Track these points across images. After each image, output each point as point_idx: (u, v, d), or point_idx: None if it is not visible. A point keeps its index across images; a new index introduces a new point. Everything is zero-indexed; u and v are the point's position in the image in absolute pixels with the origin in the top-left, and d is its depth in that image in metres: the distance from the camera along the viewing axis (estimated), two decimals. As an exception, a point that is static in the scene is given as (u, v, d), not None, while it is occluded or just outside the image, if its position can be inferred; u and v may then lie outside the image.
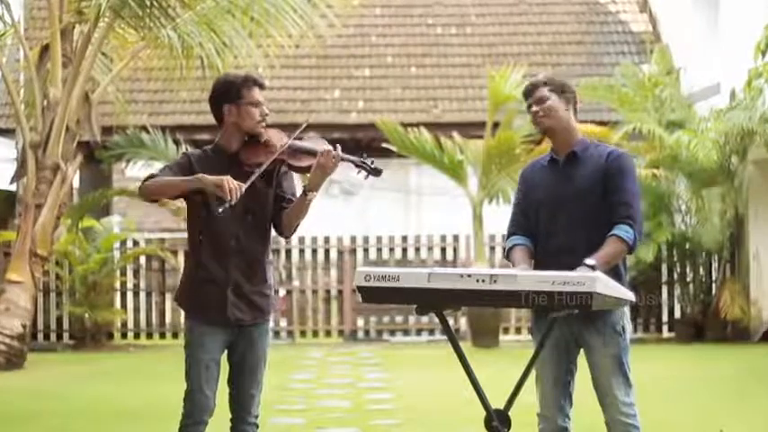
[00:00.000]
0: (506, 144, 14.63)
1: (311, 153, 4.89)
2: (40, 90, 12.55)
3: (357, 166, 4.92)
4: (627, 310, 4.91)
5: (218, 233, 4.89)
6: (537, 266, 4.83)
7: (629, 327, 4.95)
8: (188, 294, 5.04)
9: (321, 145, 4.93)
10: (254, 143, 4.98)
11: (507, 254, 5.01)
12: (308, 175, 4.90)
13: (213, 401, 4.96)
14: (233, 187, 4.73)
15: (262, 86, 5.01)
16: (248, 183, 4.78)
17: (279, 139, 4.98)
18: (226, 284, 4.92)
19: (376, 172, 4.94)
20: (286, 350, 14.17)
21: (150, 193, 4.91)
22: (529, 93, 4.97)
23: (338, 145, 4.89)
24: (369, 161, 4.93)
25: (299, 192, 5.04)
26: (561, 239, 4.80)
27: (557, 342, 4.82)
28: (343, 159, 4.88)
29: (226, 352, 5.03)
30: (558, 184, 4.91)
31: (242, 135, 4.98)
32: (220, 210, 4.71)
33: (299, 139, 5.01)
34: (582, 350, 4.97)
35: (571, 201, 4.86)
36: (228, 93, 4.96)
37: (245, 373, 5.00)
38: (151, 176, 4.93)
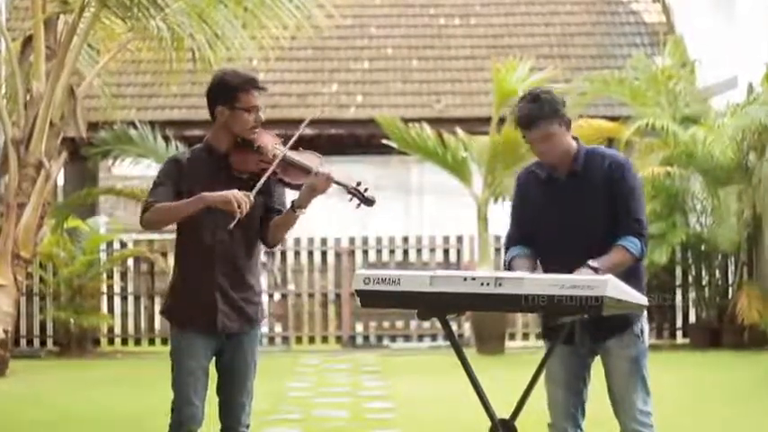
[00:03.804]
0: (512, 141, 14.59)
1: (305, 170, 4.91)
2: (23, 84, 12.54)
3: (349, 192, 4.95)
4: (644, 312, 4.91)
5: (204, 239, 4.90)
6: None
7: (647, 329, 4.96)
8: (176, 303, 5.06)
9: (316, 163, 4.95)
10: (245, 148, 4.98)
11: (508, 266, 4.99)
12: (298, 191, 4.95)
13: (202, 411, 4.97)
14: (241, 201, 4.76)
15: (261, 90, 5.01)
16: (254, 191, 4.81)
17: (272, 147, 4.98)
18: (213, 291, 4.93)
19: (368, 202, 4.97)
20: (281, 357, 14.17)
21: (154, 224, 4.95)
22: (528, 125, 4.84)
23: (333, 169, 4.91)
24: (362, 189, 4.95)
25: (287, 201, 5.07)
26: (568, 262, 4.73)
27: (571, 346, 4.81)
28: (336, 183, 4.91)
29: (213, 359, 5.04)
30: (563, 206, 4.89)
31: (233, 137, 4.99)
32: (231, 225, 4.77)
33: (295, 148, 5.02)
34: (598, 357, 4.97)
35: (578, 224, 4.85)
36: (224, 94, 4.97)
37: (234, 381, 5.01)
38: (148, 205, 4.93)
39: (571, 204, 4.87)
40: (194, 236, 4.93)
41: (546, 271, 4.89)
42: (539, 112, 4.81)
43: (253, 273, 5.06)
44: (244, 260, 5.00)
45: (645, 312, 4.91)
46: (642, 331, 4.91)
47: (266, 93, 5.05)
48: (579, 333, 4.59)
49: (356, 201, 4.97)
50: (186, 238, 4.99)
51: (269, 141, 5.00)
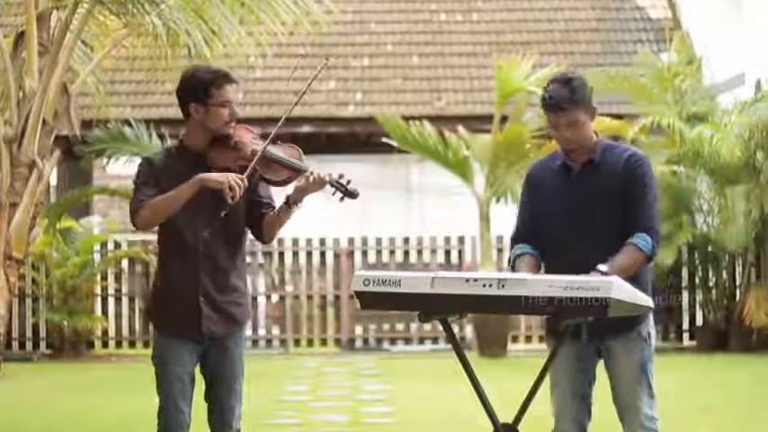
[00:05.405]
0: (515, 139, 14.63)
1: (286, 166, 4.91)
2: (15, 81, 12.51)
3: (332, 185, 4.93)
4: (651, 315, 4.91)
5: (186, 240, 4.89)
6: None
7: (654, 333, 4.95)
8: (158, 307, 5.06)
9: (295, 155, 4.94)
10: (222, 144, 4.97)
11: (512, 263, 4.99)
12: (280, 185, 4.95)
13: (189, 417, 4.97)
14: (234, 185, 4.76)
15: (234, 83, 5.00)
16: (247, 173, 4.82)
17: (249, 141, 4.97)
18: (196, 294, 4.92)
19: (351, 195, 4.95)
20: (279, 360, 14.17)
21: (152, 220, 4.92)
22: (553, 109, 4.83)
23: (312, 167, 4.91)
24: (344, 181, 4.94)
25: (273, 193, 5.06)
26: (577, 254, 4.75)
27: (576, 349, 4.80)
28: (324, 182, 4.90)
29: (198, 364, 5.03)
30: (576, 196, 4.88)
31: (209, 134, 4.97)
32: (223, 213, 4.79)
33: (274, 142, 5.00)
34: (602, 360, 4.96)
35: (590, 216, 4.84)
36: (196, 91, 4.94)
37: (222, 386, 5.00)
38: (138, 205, 4.92)
39: (583, 195, 4.86)
40: (176, 237, 4.93)
41: (550, 268, 4.89)
42: (570, 96, 4.80)
43: (238, 273, 5.04)
44: (227, 261, 4.99)
45: (651, 315, 4.90)
46: (649, 335, 4.90)
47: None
48: (586, 330, 4.56)
49: (339, 194, 4.96)
50: (168, 240, 4.99)
51: (247, 137, 5.00)
